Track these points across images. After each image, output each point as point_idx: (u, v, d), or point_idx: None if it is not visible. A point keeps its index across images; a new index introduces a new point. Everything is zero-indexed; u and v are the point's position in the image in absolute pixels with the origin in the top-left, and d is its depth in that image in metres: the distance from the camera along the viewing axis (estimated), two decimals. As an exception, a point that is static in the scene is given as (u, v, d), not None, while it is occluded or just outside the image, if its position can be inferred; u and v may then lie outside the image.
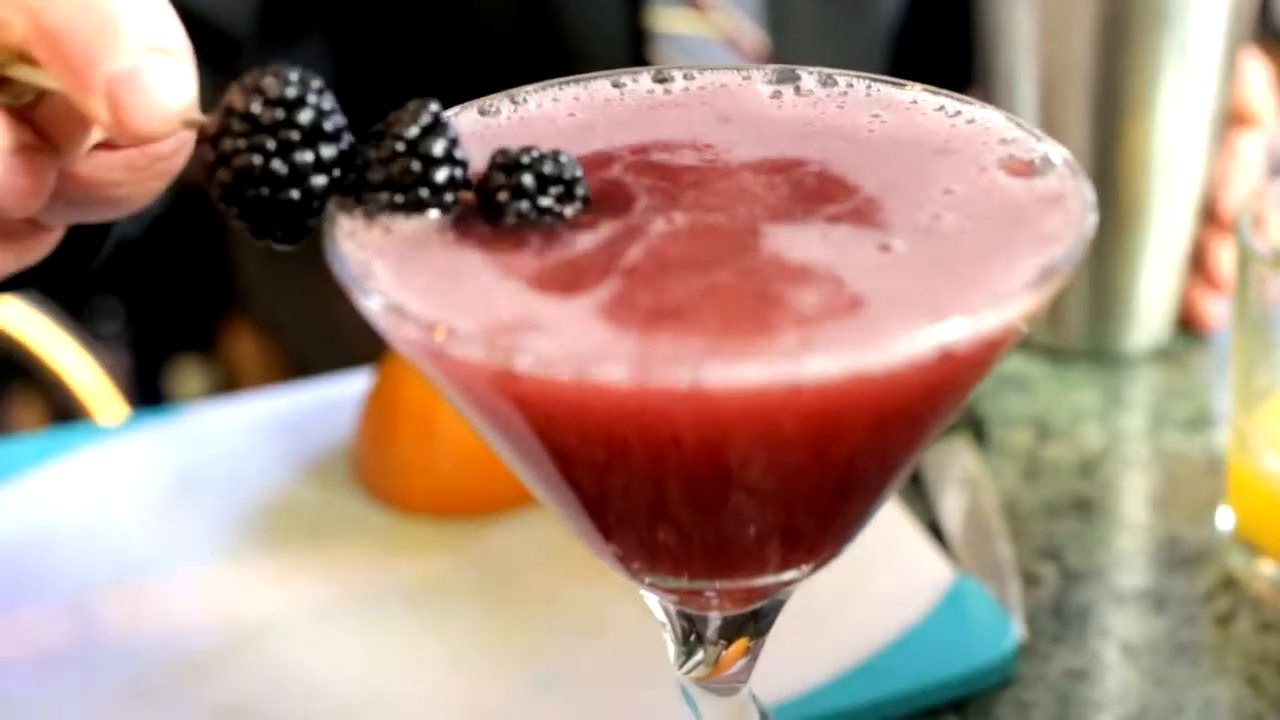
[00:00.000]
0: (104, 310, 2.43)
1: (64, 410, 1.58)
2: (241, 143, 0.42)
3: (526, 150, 0.43)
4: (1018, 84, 0.86)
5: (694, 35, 1.11)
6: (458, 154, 0.43)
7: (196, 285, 1.93)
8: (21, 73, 0.44)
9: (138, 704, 0.66)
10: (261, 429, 0.85)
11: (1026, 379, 0.89)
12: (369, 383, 0.81)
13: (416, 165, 0.42)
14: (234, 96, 0.42)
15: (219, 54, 1.05)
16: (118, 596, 0.73)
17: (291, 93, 0.42)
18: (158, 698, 0.67)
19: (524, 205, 0.42)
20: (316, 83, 0.43)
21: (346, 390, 0.86)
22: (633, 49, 1.11)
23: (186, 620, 0.71)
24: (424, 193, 0.42)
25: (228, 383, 2.40)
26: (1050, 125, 0.86)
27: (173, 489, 0.81)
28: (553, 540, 0.74)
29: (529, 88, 0.49)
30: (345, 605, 0.72)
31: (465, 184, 0.43)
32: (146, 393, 2.34)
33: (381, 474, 0.79)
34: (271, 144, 0.42)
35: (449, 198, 0.43)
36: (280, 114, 0.42)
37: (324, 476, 0.81)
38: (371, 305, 0.40)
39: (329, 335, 1.26)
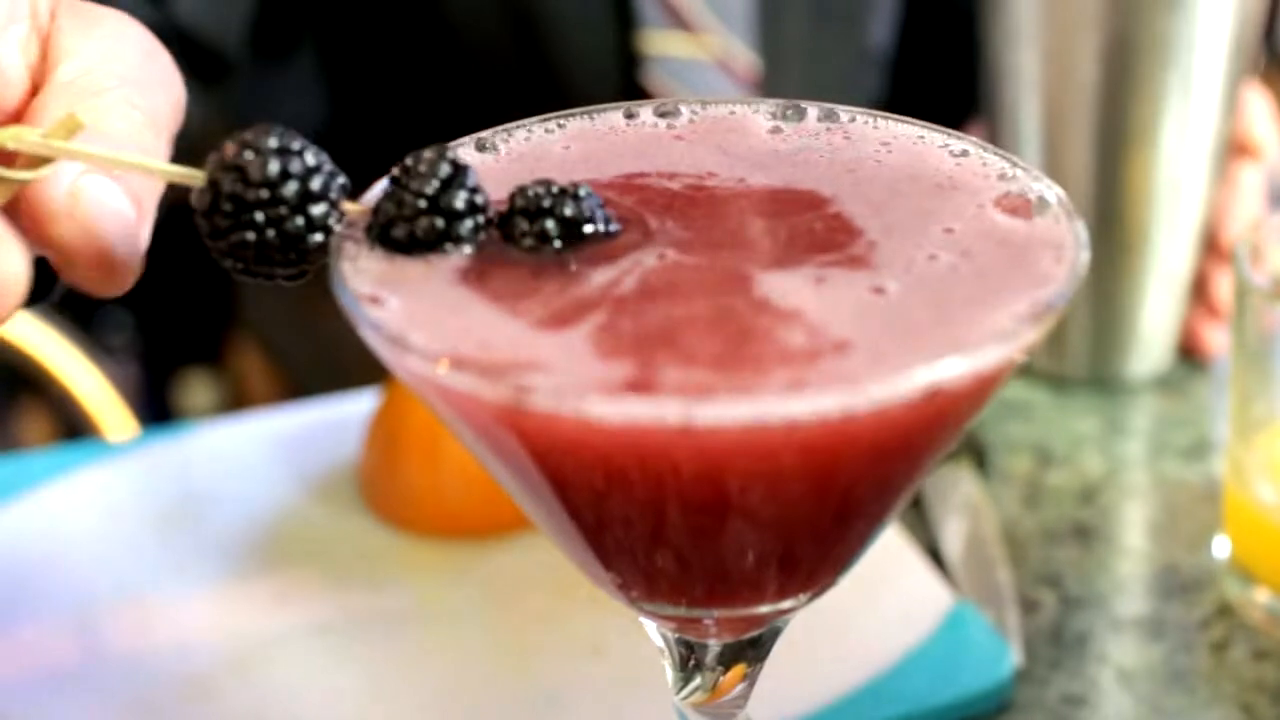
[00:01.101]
0: (112, 322, 2.44)
1: (72, 423, 1.59)
2: (230, 221, 0.43)
3: (547, 191, 0.44)
4: (1021, 117, 0.87)
5: (685, 59, 1.12)
6: (479, 200, 0.44)
7: (204, 298, 1.94)
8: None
9: (142, 721, 0.67)
10: (268, 448, 0.85)
11: (1027, 405, 0.89)
12: (375, 404, 0.82)
13: (440, 222, 0.43)
14: (217, 174, 0.43)
15: (210, 71, 1.06)
16: (123, 614, 0.73)
17: (274, 169, 0.43)
18: (162, 716, 0.67)
19: (548, 248, 0.43)
20: (297, 143, 0.43)
21: (352, 410, 0.86)
22: (623, 71, 1.11)
23: (191, 638, 0.72)
24: (448, 247, 0.43)
25: (235, 395, 2.40)
26: (1053, 157, 0.87)
27: (179, 507, 0.81)
28: (556, 563, 0.74)
29: (527, 121, 0.50)
30: (349, 625, 0.72)
31: (489, 224, 0.44)
32: (154, 405, 2.34)
33: (386, 495, 0.80)
34: (261, 217, 0.43)
35: (471, 246, 0.44)
36: (265, 194, 0.43)
37: (329, 496, 0.82)
38: (374, 337, 0.40)
39: (327, 357, 1.27)
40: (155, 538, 0.79)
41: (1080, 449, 0.86)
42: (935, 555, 0.76)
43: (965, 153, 0.48)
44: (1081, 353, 0.91)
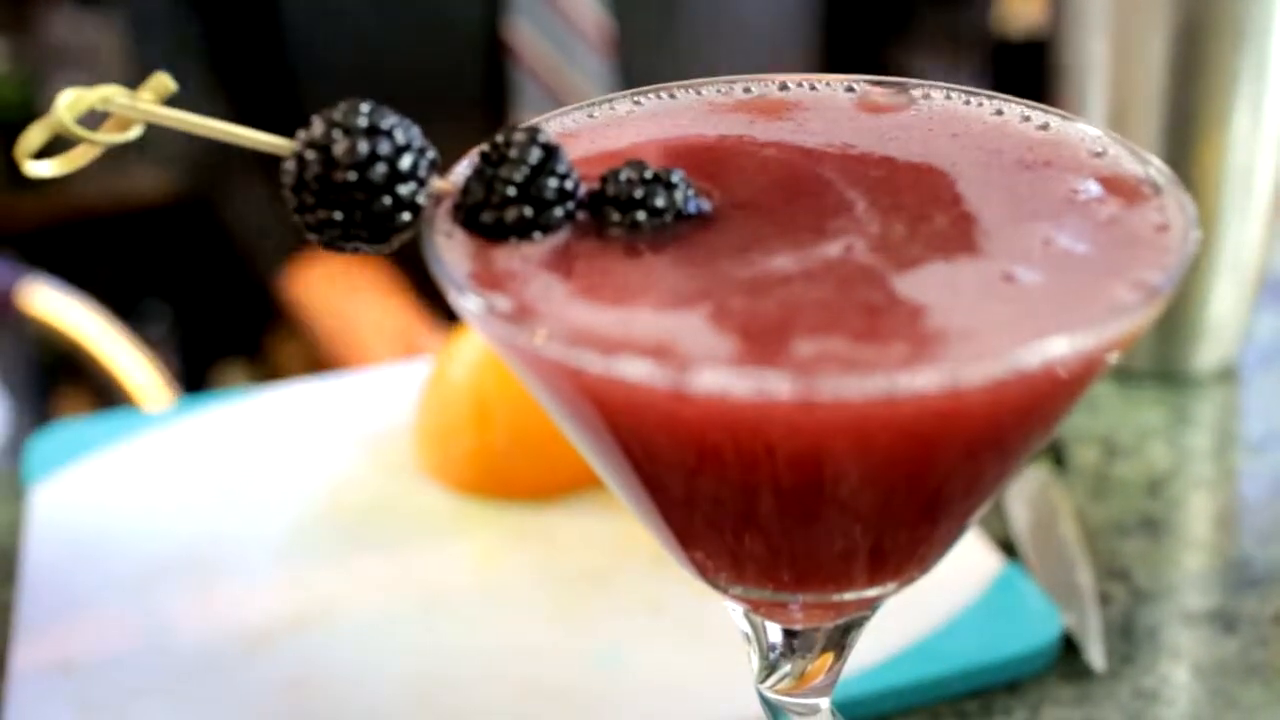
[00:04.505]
0: (152, 314, 2.45)
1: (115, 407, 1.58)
2: (316, 199, 0.42)
3: (640, 178, 0.43)
4: (1089, 102, 0.86)
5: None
6: (569, 185, 0.43)
7: (244, 291, 1.94)
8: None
9: (205, 677, 0.67)
10: (323, 413, 0.86)
11: (1094, 398, 0.88)
12: (429, 369, 0.82)
13: (529, 211, 0.42)
14: (304, 151, 0.42)
15: None
16: (184, 578, 0.73)
17: (363, 151, 0.42)
18: (222, 676, 0.67)
19: (640, 230, 0.43)
20: (387, 121, 0.42)
21: (407, 375, 0.87)
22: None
23: (250, 599, 0.72)
24: (537, 235, 0.43)
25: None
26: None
27: (236, 472, 0.81)
28: (611, 523, 0.76)
29: (621, 94, 0.49)
30: (407, 585, 0.73)
31: (580, 206, 0.43)
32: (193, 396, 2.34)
33: (441, 458, 0.80)
34: (347, 197, 0.42)
35: (560, 231, 0.43)
36: (352, 176, 0.42)
37: (385, 460, 0.82)
38: (470, 306, 0.40)
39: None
40: (211, 503, 0.79)
41: (1147, 441, 0.85)
42: (1011, 550, 0.75)
43: (1070, 132, 0.47)
44: (1148, 344, 0.89)
